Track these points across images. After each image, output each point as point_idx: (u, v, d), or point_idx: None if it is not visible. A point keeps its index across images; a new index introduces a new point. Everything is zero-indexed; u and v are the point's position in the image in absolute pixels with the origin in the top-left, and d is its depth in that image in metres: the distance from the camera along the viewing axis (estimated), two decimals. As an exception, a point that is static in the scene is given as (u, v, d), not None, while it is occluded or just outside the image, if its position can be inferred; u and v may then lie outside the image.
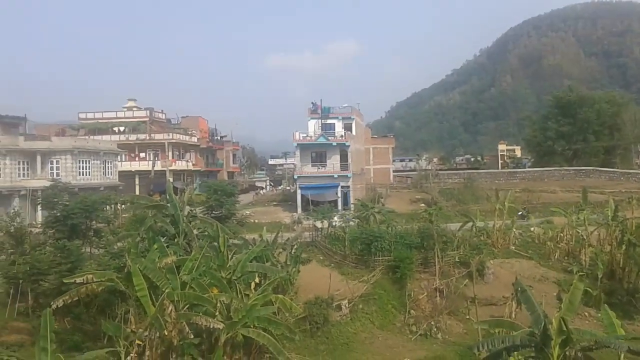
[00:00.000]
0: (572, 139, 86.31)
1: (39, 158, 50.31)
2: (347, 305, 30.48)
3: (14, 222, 28.50)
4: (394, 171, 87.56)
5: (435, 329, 30.19)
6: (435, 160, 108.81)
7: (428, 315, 31.39)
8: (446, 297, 32.69)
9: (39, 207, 42.13)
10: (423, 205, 54.21)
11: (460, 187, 66.33)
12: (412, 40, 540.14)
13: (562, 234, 40.27)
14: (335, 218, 42.58)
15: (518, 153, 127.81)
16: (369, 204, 44.81)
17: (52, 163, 51.19)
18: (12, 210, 33.77)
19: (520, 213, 47.44)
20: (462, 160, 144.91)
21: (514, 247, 39.94)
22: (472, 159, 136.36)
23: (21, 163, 49.61)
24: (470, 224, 39.89)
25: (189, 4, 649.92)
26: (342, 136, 57.17)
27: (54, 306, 19.37)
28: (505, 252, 39.11)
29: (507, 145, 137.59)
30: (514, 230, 41.30)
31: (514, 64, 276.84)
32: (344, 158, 55.95)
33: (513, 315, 27.08)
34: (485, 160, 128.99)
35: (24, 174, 49.59)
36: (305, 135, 57.63)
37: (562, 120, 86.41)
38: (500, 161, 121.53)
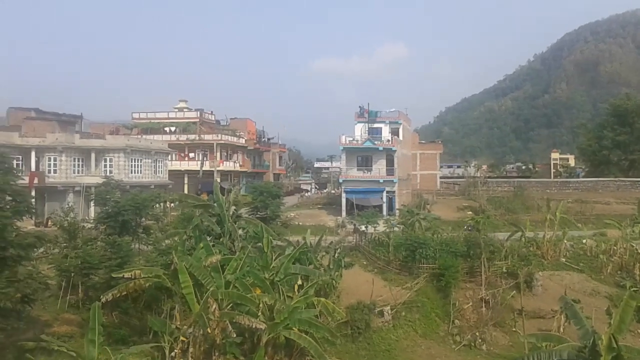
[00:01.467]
0: (629, 148, 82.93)
1: (93, 155, 52.05)
2: (389, 311, 30.18)
3: (67, 217, 29.37)
4: (440, 178, 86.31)
5: (479, 340, 29.56)
6: (484, 167, 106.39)
7: (473, 325, 30.77)
8: (492, 308, 31.93)
9: (92, 203, 43.52)
10: (470, 213, 53.10)
11: (509, 195, 64.64)
12: (463, 45, 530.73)
13: (615, 247, 38.82)
14: (380, 223, 42.26)
15: (572, 162, 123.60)
16: (415, 210, 44.25)
17: (105, 161, 52.85)
18: (67, 206, 34.98)
19: (465, 227, 44.47)
20: (513, 168, 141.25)
21: (564, 259, 38.69)
22: (523, 167, 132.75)
23: (76, 160, 51.44)
24: (519, 233, 38.88)
25: (237, 7, 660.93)
26: (388, 141, 56.71)
27: (103, 300, 19.98)
28: (555, 264, 37.97)
29: (560, 153, 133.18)
30: (565, 241, 40.01)
31: (569, 70, 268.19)
32: (390, 163, 55.48)
33: (562, 330, 26.22)
34: (536, 169, 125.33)
35: (78, 170, 51.36)
36: (351, 139, 57.49)
37: (619, 129, 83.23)
38: (552, 170, 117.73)
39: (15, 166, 26.48)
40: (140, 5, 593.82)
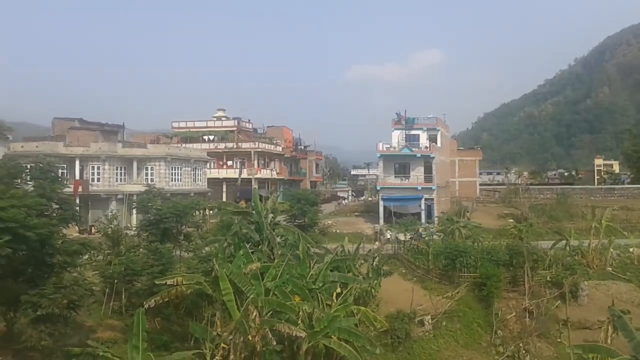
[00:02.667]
0: (677, 154, 80.00)
1: (135, 164, 53.19)
2: (430, 321, 29.73)
3: (111, 225, 29.99)
4: (480, 185, 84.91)
5: (523, 351, 28.89)
6: (525, 174, 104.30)
7: (516, 336, 30.09)
8: (536, 318, 31.22)
9: (134, 211, 44.35)
10: (512, 221, 51.97)
11: (552, 203, 63.05)
12: (502, 50, 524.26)
13: (664, 256, 37.24)
14: (419, 231, 41.72)
15: (616, 168, 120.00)
16: (454, 217, 43.60)
17: (147, 169, 53.90)
18: (110, 213, 35.74)
19: (416, 234, 41.94)
20: (555, 174, 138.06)
21: (610, 269, 37.45)
22: (566, 174, 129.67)
23: (119, 168, 52.63)
24: (563, 242, 37.77)
25: (275, 17, 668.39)
26: (426, 147, 56.10)
27: (146, 306, 20.24)
28: (601, 274, 36.78)
29: (604, 159, 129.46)
30: (611, 250, 38.71)
31: (611, 74, 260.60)
32: (428, 170, 54.85)
33: (609, 341, 25.23)
34: (579, 175, 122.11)
35: (121, 178, 52.51)
36: (388, 146, 57.09)
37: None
38: (596, 176, 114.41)
39: (60, 175, 27.21)
40: (181, 16, 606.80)
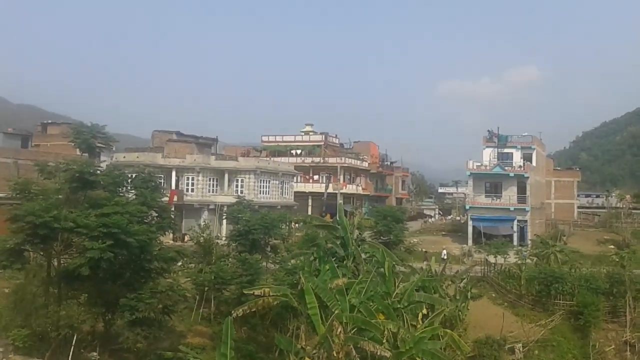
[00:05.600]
0: None
1: (226, 176, 55.14)
2: (521, 349, 28.30)
3: (203, 234, 31.08)
4: (578, 207, 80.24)
5: (624, 388, 26.62)
6: (627, 197, 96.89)
7: (616, 371, 27.87)
8: (638, 352, 28.79)
9: (224, 221, 45.84)
10: (612, 247, 48.67)
11: (659, 229, 58.36)
12: (603, 66, 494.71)
13: None
14: (510, 254, 39.99)
15: None
16: (549, 241, 41.40)
17: (237, 181, 55.69)
18: (202, 223, 37.14)
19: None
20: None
21: None
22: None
23: (211, 180, 54.79)
24: (671, 272, 34.70)
25: (361, 30, 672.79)
26: (520, 166, 53.91)
27: (234, 315, 20.66)
28: None
29: None
30: None
31: None
32: (521, 190, 52.65)
33: None
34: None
35: (213, 190, 54.65)
36: (479, 164, 55.46)
37: None
38: None
39: (159, 184, 28.62)
40: (281, 34, 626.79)
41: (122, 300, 19.14)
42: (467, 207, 54.88)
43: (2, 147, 52.03)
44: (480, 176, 54.43)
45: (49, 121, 71.86)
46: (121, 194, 22.11)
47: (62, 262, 19.94)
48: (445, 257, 40.14)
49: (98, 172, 20.82)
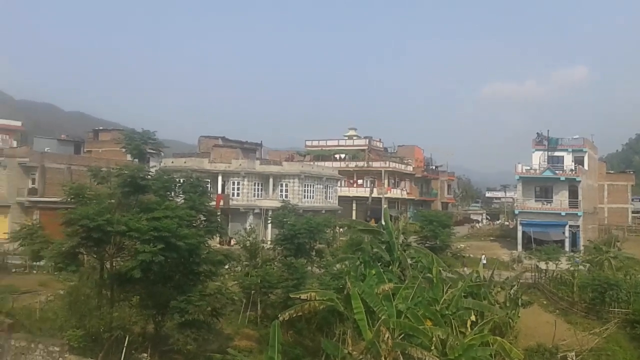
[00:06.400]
0: None
1: (271, 180, 55.61)
2: (574, 358, 27.22)
3: (249, 238, 31.41)
4: (632, 212, 77.13)
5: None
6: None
7: (677, 384, 26.48)
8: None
9: (270, 225, 46.17)
10: (671, 253, 46.29)
11: None
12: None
13: None
14: (562, 260, 38.76)
15: None
16: (603, 247, 39.94)
17: (281, 185, 56.07)
18: (248, 227, 37.54)
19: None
20: None
21: None
22: None
23: (256, 184, 55.36)
24: None
25: (403, 34, 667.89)
26: (572, 170, 52.33)
27: (280, 318, 20.76)
28: None
29: None
30: None
31: None
32: (573, 194, 51.06)
33: None
34: None
35: (258, 194, 55.19)
36: (528, 167, 54.17)
37: None
38: None
39: (206, 189, 29.05)
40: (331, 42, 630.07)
41: (172, 302, 19.43)
42: (517, 211, 53.61)
43: (56, 153, 54.30)
44: (530, 180, 53.10)
45: (100, 127, 74.26)
46: (171, 199, 22.50)
47: (114, 264, 20.47)
48: (485, 262, 39.19)
49: (148, 177, 21.25)
